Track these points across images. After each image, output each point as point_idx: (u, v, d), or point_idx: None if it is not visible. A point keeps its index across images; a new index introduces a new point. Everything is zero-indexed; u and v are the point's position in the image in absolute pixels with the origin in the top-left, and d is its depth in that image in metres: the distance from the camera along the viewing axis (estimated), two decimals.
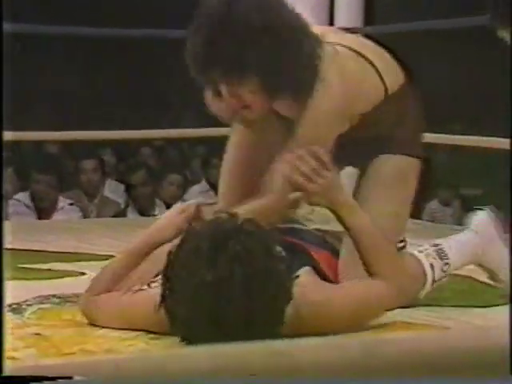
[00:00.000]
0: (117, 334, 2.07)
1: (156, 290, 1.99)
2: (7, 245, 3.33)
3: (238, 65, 2.07)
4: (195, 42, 2.10)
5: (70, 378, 0.98)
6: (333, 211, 2.08)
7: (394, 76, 2.28)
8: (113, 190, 5.74)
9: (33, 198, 4.92)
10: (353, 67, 2.19)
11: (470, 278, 2.64)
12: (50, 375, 0.98)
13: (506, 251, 2.42)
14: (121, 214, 5.21)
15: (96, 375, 0.98)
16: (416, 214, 4.00)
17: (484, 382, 1.06)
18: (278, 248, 1.94)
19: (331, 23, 4.18)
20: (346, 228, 2.08)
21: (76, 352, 1.95)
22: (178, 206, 2.22)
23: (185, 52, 2.12)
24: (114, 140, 5.46)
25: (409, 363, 1.05)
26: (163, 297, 1.93)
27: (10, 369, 1.01)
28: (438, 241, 2.40)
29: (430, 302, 2.37)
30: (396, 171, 2.27)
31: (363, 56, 2.22)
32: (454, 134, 4.22)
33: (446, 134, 3.86)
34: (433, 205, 6.92)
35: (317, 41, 2.15)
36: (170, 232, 2.12)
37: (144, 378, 0.99)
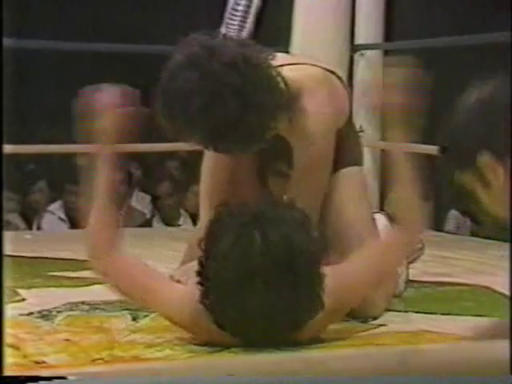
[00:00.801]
0: (144, 340, 2.08)
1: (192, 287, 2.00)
2: (39, 253, 3.36)
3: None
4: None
5: (65, 378, 0.98)
6: None
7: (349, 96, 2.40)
8: (139, 201, 5.76)
9: (66, 208, 4.94)
10: (332, 84, 2.29)
11: (488, 288, 2.63)
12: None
13: None
14: (147, 224, 5.23)
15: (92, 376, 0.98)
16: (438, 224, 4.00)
17: (484, 382, 1.06)
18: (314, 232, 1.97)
19: (352, 39, 4.19)
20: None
21: (104, 357, 1.96)
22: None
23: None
24: (141, 153, 5.47)
25: (441, 373, 1.05)
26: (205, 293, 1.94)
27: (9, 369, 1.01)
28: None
29: (449, 312, 2.37)
30: (356, 183, 2.37)
31: (334, 73, 2.33)
32: None
33: None
34: (452, 214, 6.85)
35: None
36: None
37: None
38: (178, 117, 2.12)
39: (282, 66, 2.25)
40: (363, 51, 4.20)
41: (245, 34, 2.78)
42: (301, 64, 2.31)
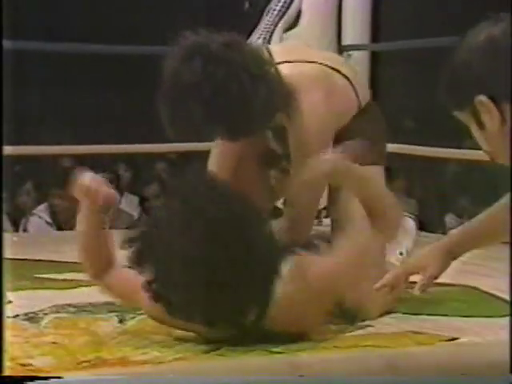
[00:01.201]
0: (131, 342, 2.07)
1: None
2: (25, 256, 3.34)
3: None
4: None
5: (61, 377, 0.97)
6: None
7: (365, 91, 2.40)
8: (128, 203, 5.75)
9: (51, 211, 4.92)
10: (330, 82, 2.27)
11: (476, 288, 2.63)
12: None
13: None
14: (134, 225, 5.21)
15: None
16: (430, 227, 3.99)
17: (484, 382, 1.05)
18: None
19: (339, 40, 4.18)
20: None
21: (91, 360, 1.94)
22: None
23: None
24: (129, 154, 5.46)
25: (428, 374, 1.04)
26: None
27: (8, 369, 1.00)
28: (399, 249, 2.51)
29: (437, 312, 2.37)
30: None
31: (339, 72, 2.31)
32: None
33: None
34: (448, 218, 6.81)
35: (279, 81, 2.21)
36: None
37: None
38: (190, 108, 2.13)
39: (279, 63, 2.26)
40: (350, 52, 4.19)
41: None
42: (299, 62, 2.30)
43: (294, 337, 2.04)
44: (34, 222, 4.99)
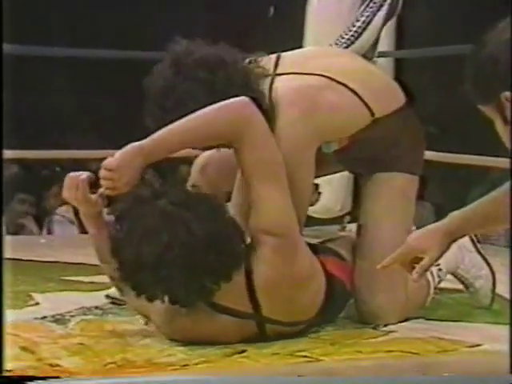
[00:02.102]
0: (156, 344, 2.08)
1: None
2: (52, 258, 3.35)
3: None
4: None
5: (59, 377, 0.97)
6: None
7: (386, 100, 2.32)
8: None
9: (76, 212, 4.93)
10: (322, 96, 2.22)
11: (499, 295, 2.61)
12: None
13: (481, 261, 2.49)
14: None
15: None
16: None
17: (484, 382, 1.05)
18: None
19: None
20: None
21: (117, 361, 1.95)
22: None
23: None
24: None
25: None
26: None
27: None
28: None
29: (461, 318, 2.37)
30: (394, 188, 2.31)
31: (344, 85, 2.26)
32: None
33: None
34: None
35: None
36: None
37: None
38: (156, 113, 2.17)
39: (287, 74, 2.25)
40: (375, 59, 4.18)
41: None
42: (303, 74, 2.27)
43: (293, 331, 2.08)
44: (57, 222, 5.01)
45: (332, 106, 2.23)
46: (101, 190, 2.12)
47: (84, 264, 2.97)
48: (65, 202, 5.33)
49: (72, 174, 2.18)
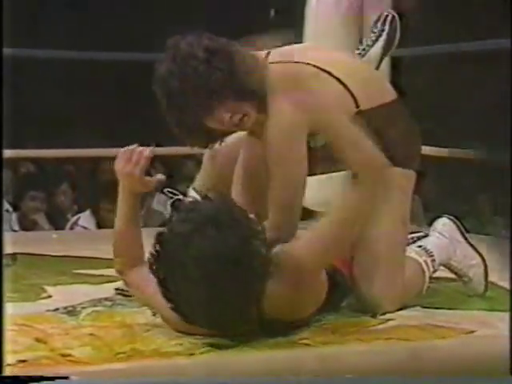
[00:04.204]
0: (164, 334, 2.10)
1: None
2: (64, 252, 3.37)
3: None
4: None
5: (67, 377, 0.95)
6: None
7: (372, 94, 2.32)
8: (161, 203, 5.77)
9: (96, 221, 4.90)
10: (310, 84, 2.23)
11: (494, 284, 2.63)
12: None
13: (471, 251, 2.51)
14: (165, 224, 5.21)
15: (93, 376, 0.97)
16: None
17: (484, 382, 1.06)
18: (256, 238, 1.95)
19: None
20: None
21: (127, 351, 1.98)
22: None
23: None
24: (163, 155, 5.49)
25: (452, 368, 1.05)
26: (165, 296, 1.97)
27: (9, 369, 1.01)
28: (419, 242, 2.48)
29: (456, 306, 2.39)
30: (389, 181, 2.28)
31: (329, 73, 2.27)
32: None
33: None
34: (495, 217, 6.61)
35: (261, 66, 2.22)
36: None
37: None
38: (161, 100, 2.18)
39: (275, 62, 2.27)
40: None
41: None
42: (288, 62, 2.28)
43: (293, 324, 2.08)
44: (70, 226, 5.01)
45: (319, 91, 2.23)
46: (160, 176, 2.09)
47: (94, 258, 3.00)
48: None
49: (132, 147, 2.13)
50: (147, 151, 2.11)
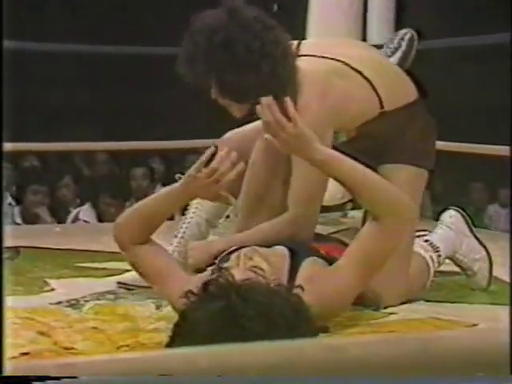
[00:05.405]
0: (167, 327, 2.08)
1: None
2: (67, 246, 3.37)
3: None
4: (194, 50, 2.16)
5: (75, 377, 0.94)
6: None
7: (397, 95, 2.32)
8: None
9: (97, 214, 4.89)
10: (339, 82, 2.23)
11: (496, 278, 2.62)
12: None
13: (477, 245, 2.50)
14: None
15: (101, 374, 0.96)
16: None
17: (484, 382, 1.05)
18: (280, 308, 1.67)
19: (364, 40, 4.17)
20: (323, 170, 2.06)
21: (130, 344, 1.97)
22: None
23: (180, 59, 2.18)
24: (163, 149, 5.49)
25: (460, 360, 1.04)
26: None
27: (10, 369, 0.99)
28: (425, 236, 2.46)
29: (458, 300, 2.38)
30: (399, 179, 2.28)
31: (360, 73, 2.27)
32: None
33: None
34: (492, 208, 6.60)
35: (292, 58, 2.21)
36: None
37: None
38: (200, 43, 2.14)
39: (306, 55, 2.27)
40: None
41: None
42: (321, 57, 2.28)
43: None
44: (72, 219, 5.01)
45: (346, 90, 2.23)
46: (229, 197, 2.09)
47: (97, 251, 2.99)
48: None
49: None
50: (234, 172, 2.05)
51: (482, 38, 3.99)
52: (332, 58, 2.27)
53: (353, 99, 2.25)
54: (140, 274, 2.19)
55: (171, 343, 1.71)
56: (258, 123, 2.27)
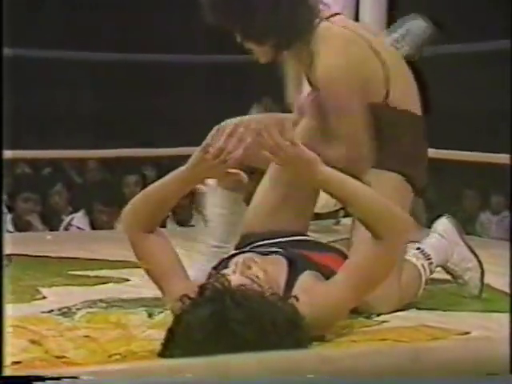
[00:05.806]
0: (159, 336, 2.08)
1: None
2: (58, 254, 3.35)
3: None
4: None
5: (75, 377, 0.94)
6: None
7: (404, 97, 2.34)
8: None
9: (90, 221, 4.87)
10: (359, 43, 2.28)
11: (488, 285, 2.62)
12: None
13: (469, 254, 2.50)
14: (161, 224, 5.21)
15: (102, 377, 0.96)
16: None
17: (484, 382, 1.05)
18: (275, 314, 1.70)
19: None
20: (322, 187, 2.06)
21: (122, 353, 1.96)
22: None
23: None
24: (155, 157, 5.49)
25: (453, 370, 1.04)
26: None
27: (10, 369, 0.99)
28: (417, 244, 2.46)
29: (450, 308, 2.38)
30: (385, 185, 2.28)
31: (379, 57, 2.29)
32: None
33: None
34: (483, 216, 6.60)
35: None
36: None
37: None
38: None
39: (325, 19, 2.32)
40: None
41: None
42: (342, 27, 2.32)
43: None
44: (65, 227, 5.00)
45: (364, 54, 2.27)
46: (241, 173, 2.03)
47: (89, 259, 2.98)
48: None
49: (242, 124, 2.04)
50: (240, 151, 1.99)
51: (478, 45, 4.00)
52: (352, 30, 2.31)
53: (368, 66, 2.27)
54: (147, 271, 2.15)
55: (164, 347, 1.71)
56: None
